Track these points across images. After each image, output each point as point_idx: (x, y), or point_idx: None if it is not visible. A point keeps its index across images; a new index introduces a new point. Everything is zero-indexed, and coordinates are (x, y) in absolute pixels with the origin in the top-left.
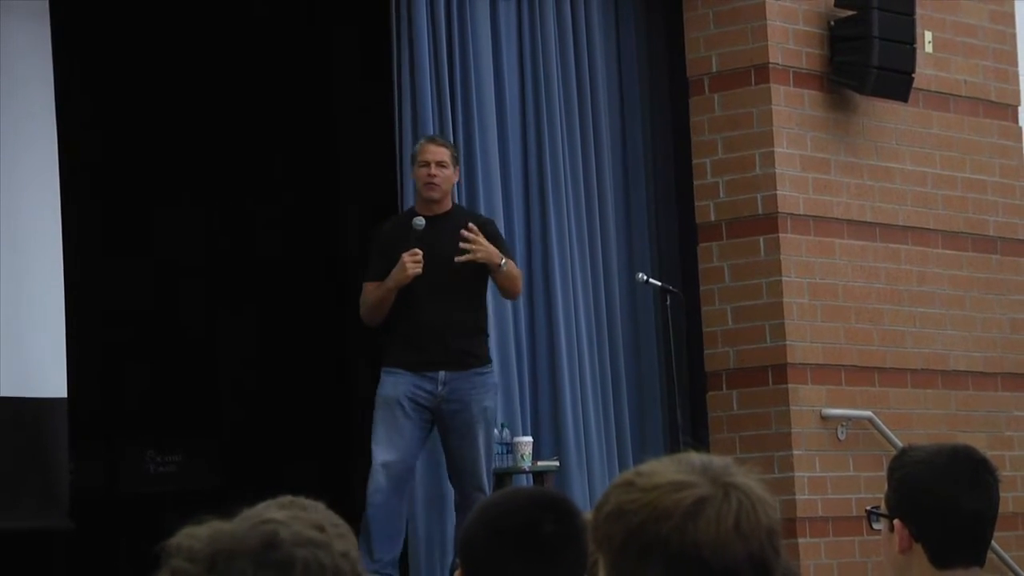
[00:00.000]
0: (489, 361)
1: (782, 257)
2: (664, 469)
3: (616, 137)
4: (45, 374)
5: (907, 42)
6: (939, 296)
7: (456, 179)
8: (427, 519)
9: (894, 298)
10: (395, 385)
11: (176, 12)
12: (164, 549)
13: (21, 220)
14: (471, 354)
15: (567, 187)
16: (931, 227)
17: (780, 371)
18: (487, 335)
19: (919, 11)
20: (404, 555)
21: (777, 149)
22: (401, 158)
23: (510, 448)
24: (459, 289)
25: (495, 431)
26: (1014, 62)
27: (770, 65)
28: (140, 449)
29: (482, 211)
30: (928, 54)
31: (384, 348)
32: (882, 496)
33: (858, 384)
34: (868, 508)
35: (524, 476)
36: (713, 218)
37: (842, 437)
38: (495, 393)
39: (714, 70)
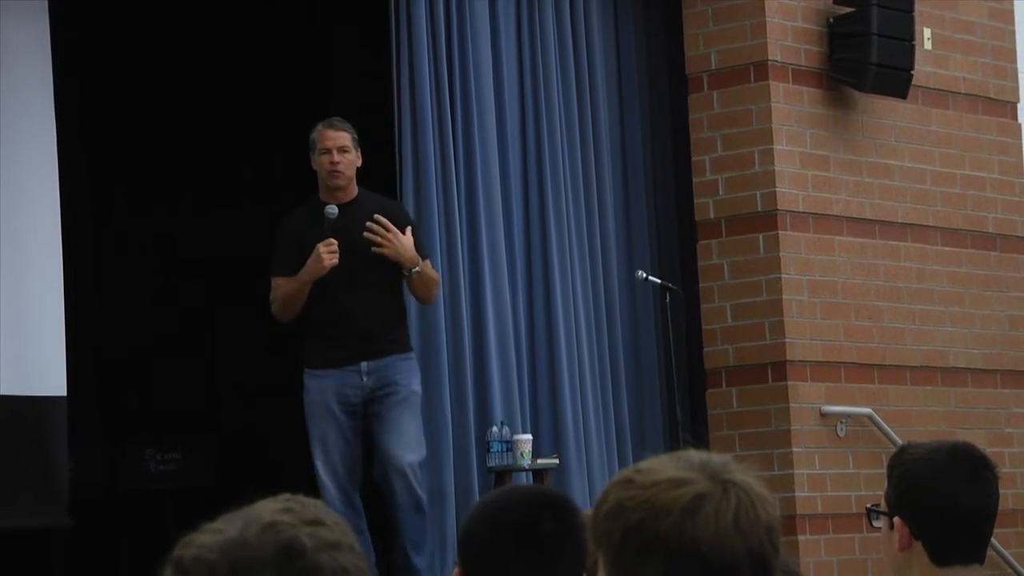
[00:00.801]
0: (411, 348)
1: (781, 254)
2: (663, 466)
3: (615, 134)
4: (45, 372)
5: (906, 39)
6: (938, 293)
7: (359, 163)
8: (427, 516)
9: (893, 295)
10: (321, 389)
11: (175, 13)
12: (176, 563)
13: (21, 218)
14: (393, 340)
15: (566, 185)
16: (930, 224)
17: (780, 368)
18: (407, 324)
19: (918, 8)
20: (403, 553)
21: (776, 146)
22: (400, 159)
23: (509, 446)
24: (376, 278)
25: (495, 428)
26: (1013, 59)
27: (769, 62)
28: (140, 447)
29: (482, 210)
30: (927, 51)
31: (303, 347)
32: (882, 493)
33: (857, 381)
34: (868, 506)
35: (523, 474)
36: (712, 215)
37: (842, 434)
38: (419, 377)
39: (713, 67)
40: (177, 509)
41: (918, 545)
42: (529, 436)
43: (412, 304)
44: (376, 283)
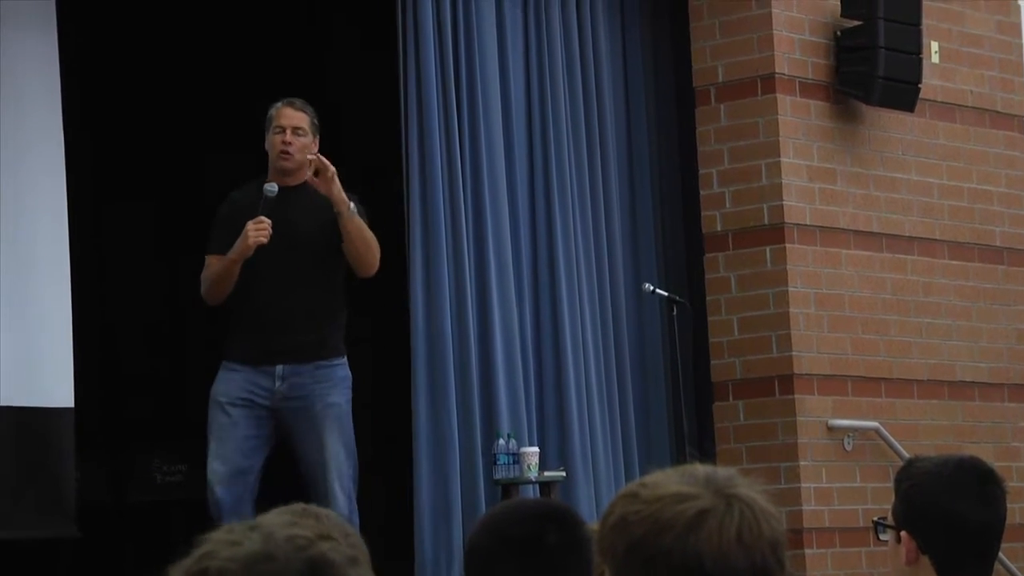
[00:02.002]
0: (341, 353)
1: (788, 267)
2: (668, 480)
3: (622, 147)
4: (52, 384)
5: (913, 52)
6: (945, 307)
7: (315, 149)
8: (433, 528)
9: (900, 308)
10: (227, 383)
11: (181, 21)
12: (199, 574)
13: (27, 229)
14: (318, 344)
15: (573, 198)
16: (937, 237)
17: (786, 382)
18: (342, 325)
19: (925, 21)
20: (411, 565)
21: (783, 159)
22: (407, 172)
23: (516, 458)
24: (310, 270)
25: (501, 441)
26: (1020, 72)
27: (776, 75)
28: (147, 458)
29: (488, 222)
30: (934, 64)
31: (226, 341)
32: (889, 507)
33: (864, 395)
34: (875, 519)
35: (530, 486)
36: (719, 228)
37: (848, 448)
38: (346, 387)
39: (720, 80)
40: (183, 520)
41: (925, 559)
42: (536, 448)
43: (420, 317)
44: (309, 277)
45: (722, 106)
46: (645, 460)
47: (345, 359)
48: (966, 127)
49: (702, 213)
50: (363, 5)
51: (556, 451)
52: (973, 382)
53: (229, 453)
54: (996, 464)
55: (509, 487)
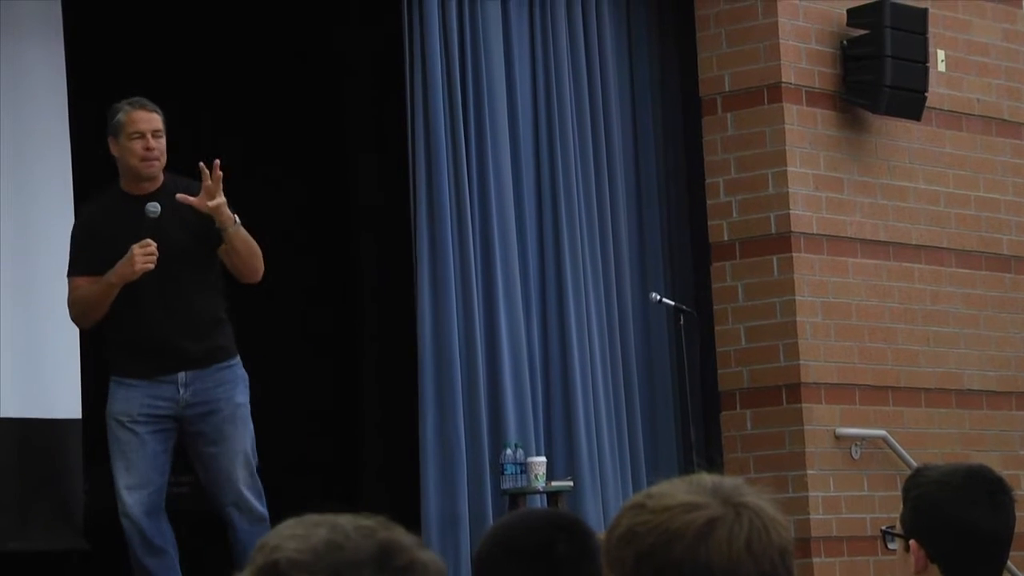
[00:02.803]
0: (235, 354)
1: (795, 276)
2: (675, 490)
3: (629, 156)
4: (59, 395)
5: (920, 61)
6: (953, 315)
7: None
8: (440, 537)
9: (908, 317)
10: (126, 401)
11: (188, 30)
12: (270, 568)
13: (34, 239)
14: (215, 348)
15: (580, 208)
16: (944, 246)
17: (794, 390)
18: (229, 325)
19: (932, 30)
20: None
21: (790, 168)
22: (414, 176)
23: (523, 468)
24: (191, 276)
25: (509, 451)
26: None
27: (783, 84)
28: None
29: (495, 232)
30: (941, 73)
31: (109, 354)
32: (897, 516)
33: (872, 403)
34: (883, 528)
35: (538, 496)
36: (726, 237)
37: (856, 456)
38: (246, 387)
39: (727, 89)
40: (190, 531)
41: (934, 568)
42: (543, 458)
43: (428, 326)
44: (191, 283)
45: (729, 115)
46: (652, 469)
47: (239, 359)
48: (973, 135)
49: (709, 222)
50: (370, 11)
51: (563, 461)
52: (981, 390)
53: (144, 472)
54: (1004, 472)
55: (516, 497)
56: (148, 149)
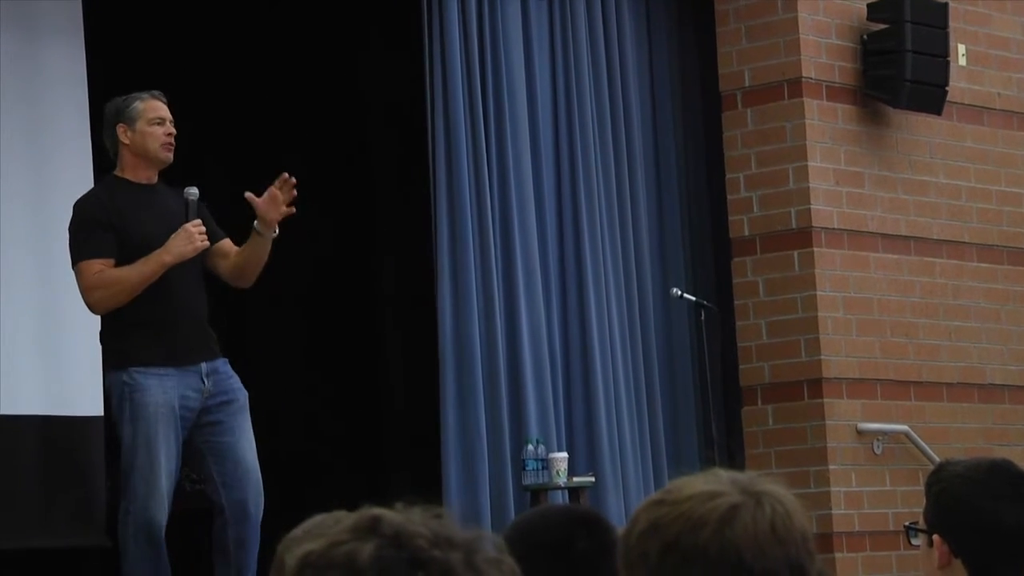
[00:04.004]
0: None
1: (816, 271)
2: (693, 482)
3: (649, 152)
4: (81, 393)
5: (940, 55)
6: (974, 309)
7: None
8: None
9: (929, 312)
10: (163, 390)
11: (206, 35)
12: (304, 559)
13: (55, 239)
14: (216, 340)
15: (600, 203)
16: (966, 240)
17: (815, 386)
18: None
19: (952, 24)
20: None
21: (811, 163)
22: (434, 172)
23: (545, 464)
24: (197, 271)
25: (530, 446)
26: None
27: (803, 79)
28: None
29: (516, 228)
30: (961, 67)
31: (126, 343)
32: (919, 511)
33: (894, 398)
34: (906, 523)
35: (559, 492)
36: (747, 233)
37: (878, 451)
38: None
39: (747, 84)
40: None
41: (958, 563)
42: (565, 454)
43: (448, 322)
44: (197, 277)
45: (749, 111)
46: (674, 465)
47: None
48: (994, 130)
49: (729, 218)
50: (389, 7)
51: (585, 456)
52: (1003, 385)
53: (172, 471)
54: None
55: (538, 493)
56: (169, 134)
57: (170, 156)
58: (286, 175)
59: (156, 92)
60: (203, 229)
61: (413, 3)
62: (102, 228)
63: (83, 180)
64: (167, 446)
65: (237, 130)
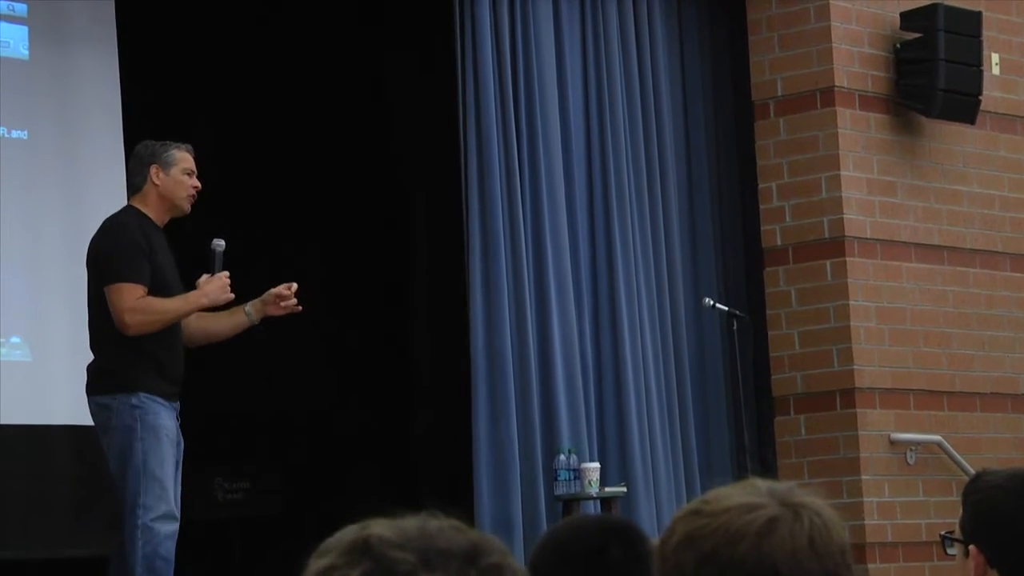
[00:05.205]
0: None
1: (849, 281)
2: (730, 494)
3: (681, 162)
4: None
5: (974, 64)
6: (1008, 319)
7: None
8: None
9: (962, 321)
10: (169, 418)
11: (235, 41)
12: (361, 545)
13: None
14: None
15: (632, 213)
16: (999, 250)
17: (848, 396)
18: None
19: (986, 33)
20: None
21: (843, 172)
22: (466, 181)
23: (577, 474)
24: None
25: (562, 456)
26: None
27: (836, 88)
28: (208, 476)
29: (548, 239)
30: (995, 76)
31: (135, 369)
32: (953, 521)
33: (927, 408)
34: (942, 533)
35: (591, 502)
36: (779, 242)
37: (911, 462)
38: None
39: (779, 94)
40: (244, 538)
41: (994, 573)
42: (597, 464)
43: (480, 331)
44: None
45: (781, 120)
46: (706, 475)
47: None
48: None
49: (762, 227)
50: (420, 13)
51: (617, 466)
52: None
53: (178, 494)
54: None
55: (570, 503)
56: (196, 187)
57: (189, 209)
58: (295, 286)
59: (189, 145)
60: (229, 284)
61: (445, 15)
62: (144, 256)
63: (115, 191)
64: (174, 470)
65: (265, 148)
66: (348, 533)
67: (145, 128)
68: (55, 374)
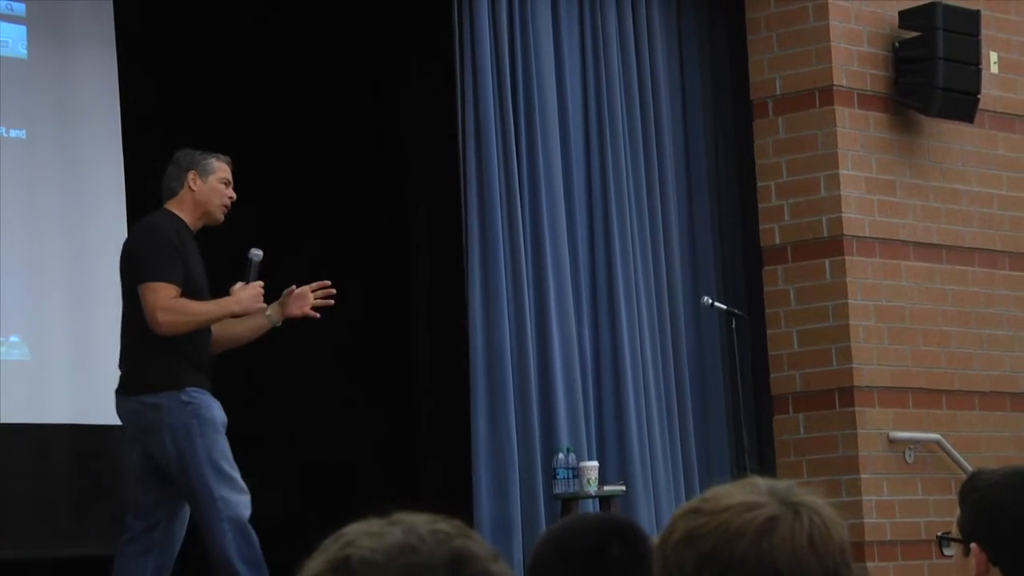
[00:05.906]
0: None
1: (848, 280)
2: (730, 492)
3: (680, 160)
4: (112, 402)
5: (972, 63)
6: (1007, 318)
7: None
8: (492, 543)
9: (961, 320)
10: (217, 407)
11: (236, 45)
12: (341, 563)
13: (88, 249)
14: None
15: (631, 212)
16: (998, 248)
17: (847, 394)
18: None
19: (984, 32)
20: None
21: (842, 171)
22: (465, 181)
23: (576, 473)
24: None
25: (561, 455)
26: None
27: (834, 87)
28: None
29: (547, 237)
30: (994, 75)
31: (177, 367)
32: (951, 520)
33: (926, 407)
34: (939, 534)
35: (590, 501)
36: (778, 241)
37: (910, 460)
38: None
39: (778, 92)
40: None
41: (996, 571)
42: (595, 463)
43: (479, 330)
44: None
45: (780, 119)
46: (705, 474)
47: None
48: None
49: (760, 226)
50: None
51: (616, 465)
52: None
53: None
54: None
55: (569, 501)
56: (231, 198)
57: (222, 218)
58: (328, 283)
59: (228, 158)
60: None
61: (443, 19)
62: (179, 257)
63: (116, 195)
64: (229, 460)
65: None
66: (328, 552)
67: (144, 128)
68: (54, 373)
